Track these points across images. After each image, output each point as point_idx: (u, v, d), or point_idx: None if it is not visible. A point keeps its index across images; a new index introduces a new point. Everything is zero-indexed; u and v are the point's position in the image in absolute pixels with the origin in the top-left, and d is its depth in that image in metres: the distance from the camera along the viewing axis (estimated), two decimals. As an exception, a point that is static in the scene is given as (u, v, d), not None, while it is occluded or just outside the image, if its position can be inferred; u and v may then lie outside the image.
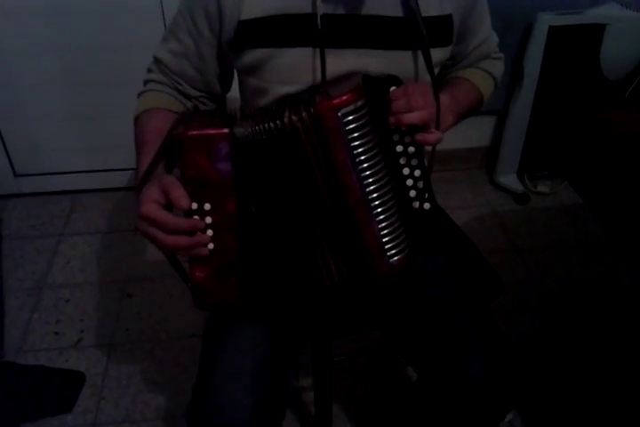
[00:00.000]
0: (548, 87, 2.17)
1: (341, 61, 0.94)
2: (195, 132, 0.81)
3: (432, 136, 0.87)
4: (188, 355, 1.72)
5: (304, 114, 0.81)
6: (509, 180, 2.40)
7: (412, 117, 0.84)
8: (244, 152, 0.83)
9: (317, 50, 0.93)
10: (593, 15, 2.03)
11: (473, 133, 2.40)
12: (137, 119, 1.03)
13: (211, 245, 0.85)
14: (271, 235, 0.88)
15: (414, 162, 0.89)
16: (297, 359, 1.09)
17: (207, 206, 0.83)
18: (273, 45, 0.93)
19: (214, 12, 0.93)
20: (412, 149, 0.88)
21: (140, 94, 1.07)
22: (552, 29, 2.03)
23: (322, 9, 0.90)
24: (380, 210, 0.85)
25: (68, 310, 1.88)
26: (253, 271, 0.89)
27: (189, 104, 1.07)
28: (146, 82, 1.08)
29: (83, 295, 1.93)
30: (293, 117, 0.81)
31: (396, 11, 0.94)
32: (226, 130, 0.82)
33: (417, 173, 0.90)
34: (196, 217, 0.83)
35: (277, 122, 0.82)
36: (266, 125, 0.82)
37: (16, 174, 2.33)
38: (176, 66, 1.03)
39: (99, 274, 2.01)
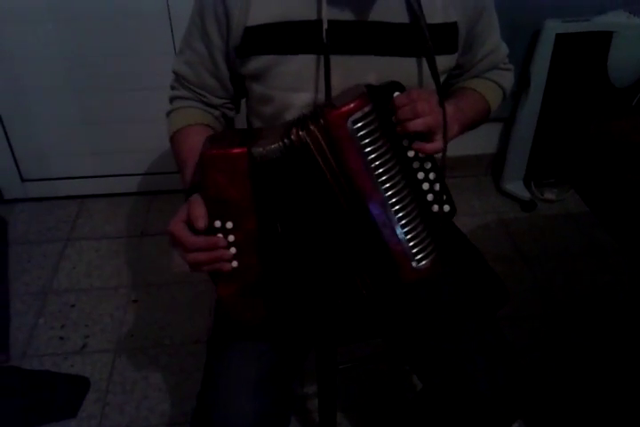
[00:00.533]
0: (554, 94, 2.17)
1: (346, 68, 0.94)
2: (213, 152, 0.83)
3: (429, 146, 0.86)
4: (193, 361, 1.72)
5: (312, 127, 0.81)
6: (516, 187, 2.39)
7: (418, 124, 0.84)
8: (263, 171, 0.83)
9: (322, 57, 0.93)
10: (600, 23, 2.03)
11: (479, 140, 2.40)
12: (172, 138, 1.05)
13: (234, 263, 0.86)
14: (297, 253, 0.88)
15: (427, 165, 0.89)
16: (302, 367, 1.08)
17: (229, 225, 0.84)
18: (278, 52, 0.94)
19: (223, 18, 0.94)
20: (423, 153, 0.88)
21: (168, 113, 1.09)
22: (559, 37, 2.03)
23: (328, 15, 0.90)
24: (401, 214, 0.85)
25: (73, 315, 1.88)
26: (279, 291, 0.90)
27: (217, 113, 1.08)
28: (171, 99, 1.09)
29: (88, 300, 1.93)
30: (301, 133, 0.81)
31: (401, 17, 0.94)
32: (243, 149, 0.82)
33: (432, 175, 0.90)
34: (219, 235, 0.84)
35: (285, 140, 0.82)
36: (278, 144, 0.82)
37: (23, 179, 2.34)
38: (194, 77, 1.04)
39: (104, 279, 2.01)
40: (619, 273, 2.04)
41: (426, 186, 0.90)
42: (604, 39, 2.05)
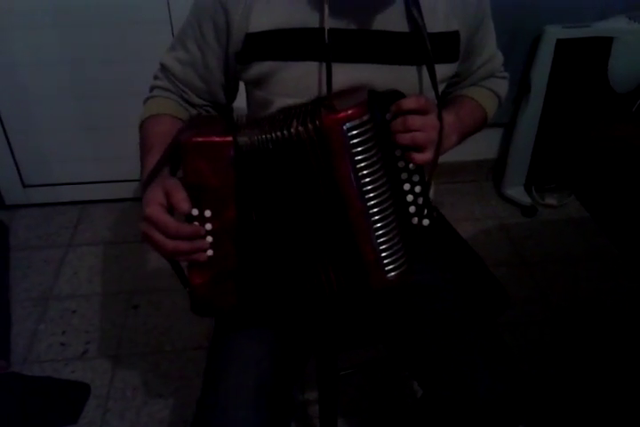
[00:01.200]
0: (555, 100, 2.17)
1: (347, 76, 0.94)
2: (198, 139, 0.82)
3: (418, 156, 0.86)
4: (194, 367, 1.71)
5: (310, 125, 0.81)
6: (517, 192, 2.39)
7: (406, 138, 0.84)
8: (247, 160, 0.83)
9: (324, 64, 0.93)
10: (600, 28, 2.03)
11: (480, 146, 2.40)
12: (142, 124, 1.04)
13: (210, 252, 0.85)
14: (271, 244, 0.88)
15: (416, 178, 0.89)
16: (302, 374, 1.08)
17: (208, 213, 0.83)
18: (280, 59, 0.94)
19: (222, 23, 0.94)
20: (413, 165, 0.88)
21: (146, 100, 1.08)
22: (559, 42, 2.03)
23: (330, 23, 0.90)
24: (379, 224, 0.84)
25: (74, 320, 1.88)
26: (251, 279, 0.89)
27: (194, 112, 1.08)
28: (152, 88, 1.09)
29: (89, 306, 1.93)
30: (300, 128, 0.81)
31: (402, 26, 0.94)
32: (229, 138, 0.82)
33: (417, 189, 0.90)
34: (196, 223, 0.83)
35: (285, 132, 0.81)
36: (272, 135, 0.82)
37: (24, 185, 2.34)
38: (182, 74, 1.03)
39: (105, 285, 2.01)
40: (620, 279, 2.04)
41: (410, 198, 0.90)
42: (604, 45, 2.05)
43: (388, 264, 0.86)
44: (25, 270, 2.07)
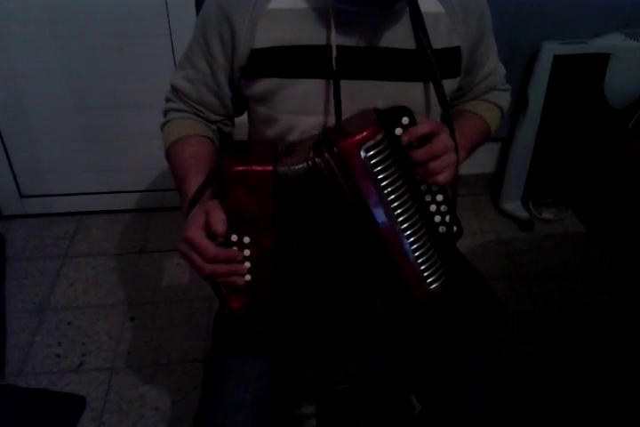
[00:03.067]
0: (552, 115, 2.19)
1: (353, 93, 0.94)
2: (239, 168, 0.82)
3: (441, 177, 0.87)
4: (190, 380, 1.71)
5: (327, 155, 0.81)
6: (514, 206, 2.40)
7: (428, 168, 0.86)
8: (285, 190, 0.83)
9: (330, 81, 0.93)
10: (597, 45, 2.05)
11: (478, 160, 2.39)
12: (170, 149, 1.04)
13: (248, 277, 0.86)
14: (309, 271, 0.89)
15: (435, 187, 0.90)
16: (300, 388, 1.07)
17: (246, 240, 0.84)
18: (285, 75, 0.94)
19: (228, 38, 0.94)
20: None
21: (163, 125, 1.08)
22: (557, 58, 2.05)
23: (336, 41, 0.91)
24: (413, 239, 0.85)
25: (70, 332, 1.87)
26: (289, 306, 0.90)
27: (213, 127, 1.08)
28: (166, 112, 1.09)
29: (85, 318, 1.92)
30: (317, 160, 0.82)
31: (408, 43, 0.95)
32: (269, 167, 0.82)
33: (439, 197, 0.91)
34: (235, 248, 0.84)
35: (309, 162, 0.82)
36: (302, 165, 0.83)
37: (22, 195, 2.34)
38: (194, 93, 1.03)
39: (101, 297, 2.01)
40: (617, 293, 2.04)
41: (433, 208, 0.90)
42: (601, 61, 2.07)
43: (428, 277, 0.87)
44: (21, 281, 2.06)
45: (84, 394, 1.66)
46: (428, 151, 0.85)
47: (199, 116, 1.06)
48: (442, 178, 0.86)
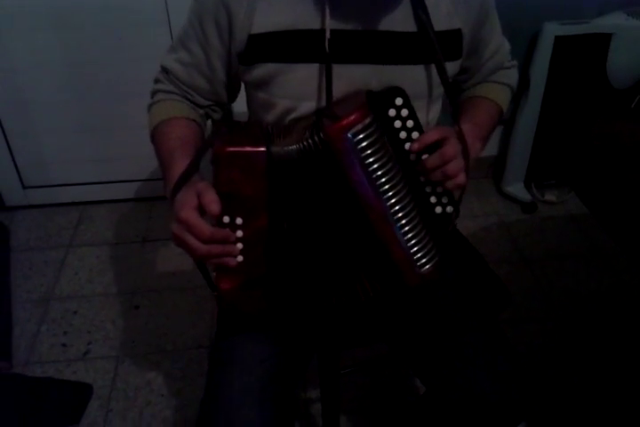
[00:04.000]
0: (554, 97, 2.17)
1: (350, 77, 0.94)
2: (232, 149, 0.81)
3: (455, 181, 0.88)
4: (196, 367, 1.72)
5: (316, 138, 0.81)
6: (517, 189, 2.39)
7: (437, 176, 0.87)
8: (278, 170, 0.83)
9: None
10: (599, 25, 2.03)
11: (479, 143, 2.40)
12: (155, 130, 1.02)
13: (240, 258, 0.86)
14: (300, 252, 0.89)
15: None
16: (304, 373, 1.08)
17: (239, 221, 0.84)
18: (283, 60, 0.93)
19: (225, 23, 0.93)
20: (425, 156, 0.88)
21: (150, 106, 1.07)
22: (558, 39, 2.03)
23: (333, 25, 0.90)
24: (404, 222, 0.85)
25: (75, 321, 1.88)
26: (279, 286, 0.90)
27: (201, 111, 1.07)
28: (154, 93, 1.07)
29: (90, 307, 1.93)
30: (309, 141, 0.82)
31: (407, 26, 0.94)
32: (262, 148, 0.82)
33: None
34: (227, 230, 0.84)
35: (304, 143, 0.82)
36: (297, 146, 0.82)
37: (24, 186, 2.34)
38: (185, 76, 1.02)
39: (106, 286, 2.02)
40: (620, 274, 2.04)
41: (428, 189, 0.90)
42: (602, 41, 2.05)
43: (419, 259, 0.87)
44: (26, 272, 2.07)
45: (90, 382, 1.68)
46: (441, 157, 0.86)
47: (188, 99, 1.05)
48: (459, 180, 0.88)
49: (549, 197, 2.41)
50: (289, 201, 0.85)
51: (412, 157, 0.88)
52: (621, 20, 2.03)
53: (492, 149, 2.47)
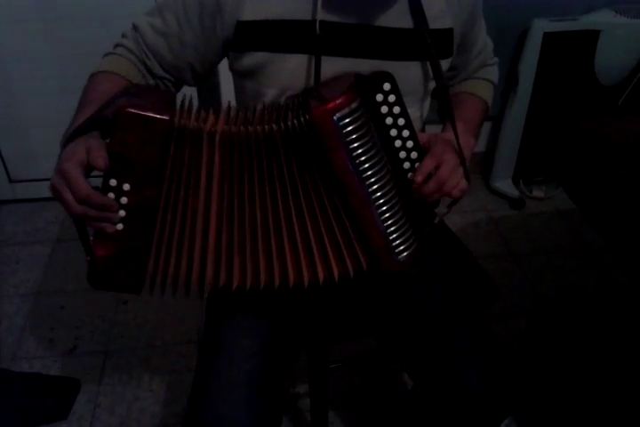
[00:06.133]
0: (542, 93, 2.18)
1: (339, 70, 0.93)
2: (133, 111, 0.77)
3: (457, 190, 0.91)
4: (184, 362, 1.71)
5: (301, 119, 0.80)
6: (505, 185, 2.40)
7: (456, 194, 0.92)
8: (182, 142, 0.80)
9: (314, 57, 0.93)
10: (587, 22, 2.04)
11: (468, 139, 2.40)
12: (91, 77, 1.00)
13: (119, 226, 0.82)
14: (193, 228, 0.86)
15: (414, 155, 0.90)
16: (293, 367, 1.08)
17: (126, 186, 0.80)
18: (273, 50, 0.93)
19: (211, 7, 0.92)
20: (410, 143, 0.89)
21: (104, 55, 1.04)
22: (547, 36, 2.04)
23: (325, 17, 0.90)
24: (384, 208, 0.85)
25: (63, 316, 1.87)
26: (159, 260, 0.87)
27: (152, 82, 1.04)
28: (116, 46, 1.05)
29: (78, 302, 1.92)
30: (290, 123, 0.80)
31: (402, 22, 0.94)
32: (166, 116, 0.79)
33: (417, 165, 0.90)
34: (111, 194, 0.80)
35: (280, 124, 0.80)
36: (262, 127, 0.80)
37: (11, 180, 2.33)
38: (152, 40, 0.99)
39: (94, 280, 2.00)
40: (607, 269, 2.06)
41: (411, 175, 0.90)
42: (591, 38, 2.06)
43: (397, 246, 0.87)
44: (13, 266, 2.06)
45: (78, 377, 1.67)
46: (437, 181, 0.88)
47: (145, 64, 1.01)
48: (456, 192, 0.91)
49: (537, 193, 2.42)
50: (183, 178, 0.82)
51: (397, 143, 0.88)
52: (609, 17, 2.04)
53: (480, 145, 2.47)
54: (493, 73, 1.19)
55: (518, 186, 2.40)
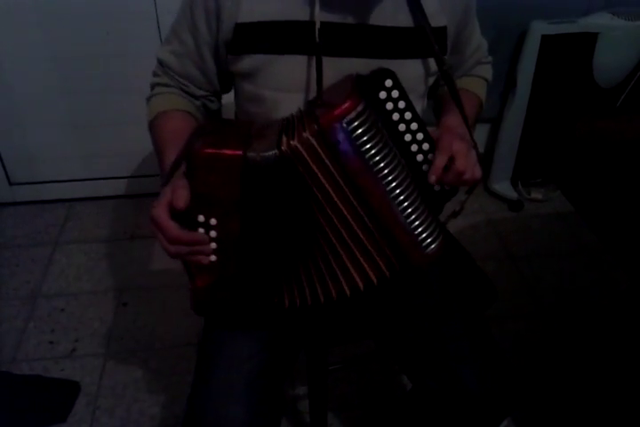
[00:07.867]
0: (541, 95, 2.19)
1: (338, 70, 0.93)
2: (209, 151, 0.80)
3: (470, 178, 0.91)
4: (184, 364, 1.72)
5: (305, 134, 0.79)
6: (503, 187, 2.41)
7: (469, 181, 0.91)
8: (255, 175, 0.82)
9: (314, 58, 0.93)
10: (585, 24, 2.05)
11: (467, 141, 2.40)
12: (152, 123, 1.03)
13: (213, 257, 0.86)
14: (275, 254, 0.88)
15: (426, 146, 0.90)
16: (292, 369, 1.08)
17: (213, 221, 0.84)
18: (271, 52, 0.93)
19: (212, 10, 0.93)
20: (420, 135, 0.89)
21: (148, 99, 1.07)
22: (545, 38, 2.04)
23: (323, 17, 0.90)
24: (405, 204, 0.85)
25: (62, 319, 1.87)
26: (249, 287, 0.90)
27: (198, 103, 1.07)
28: (153, 86, 1.08)
29: (78, 304, 1.92)
30: (292, 143, 0.80)
31: (396, 21, 0.95)
32: (239, 152, 0.81)
33: (430, 156, 0.90)
34: (201, 229, 0.84)
35: (278, 149, 0.81)
36: (272, 152, 0.81)
37: (11, 183, 2.33)
38: (179, 67, 1.02)
39: (94, 283, 2.01)
40: (606, 272, 2.06)
41: (425, 167, 0.90)
42: (589, 40, 2.07)
43: (424, 240, 0.87)
44: (13, 269, 2.06)
45: (78, 380, 1.67)
46: (455, 173, 0.88)
47: (184, 91, 1.05)
48: (476, 176, 0.91)
49: (536, 195, 2.42)
50: (266, 205, 0.84)
51: (407, 137, 0.88)
52: (607, 19, 2.05)
53: (478, 146, 2.47)
54: (488, 71, 1.21)
55: (517, 188, 2.41)
